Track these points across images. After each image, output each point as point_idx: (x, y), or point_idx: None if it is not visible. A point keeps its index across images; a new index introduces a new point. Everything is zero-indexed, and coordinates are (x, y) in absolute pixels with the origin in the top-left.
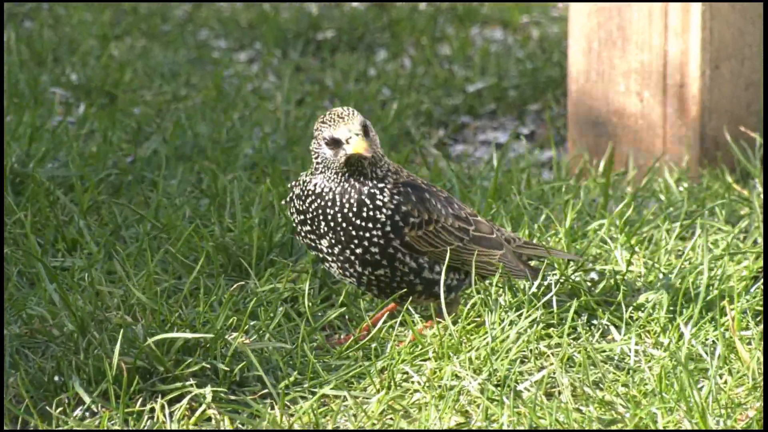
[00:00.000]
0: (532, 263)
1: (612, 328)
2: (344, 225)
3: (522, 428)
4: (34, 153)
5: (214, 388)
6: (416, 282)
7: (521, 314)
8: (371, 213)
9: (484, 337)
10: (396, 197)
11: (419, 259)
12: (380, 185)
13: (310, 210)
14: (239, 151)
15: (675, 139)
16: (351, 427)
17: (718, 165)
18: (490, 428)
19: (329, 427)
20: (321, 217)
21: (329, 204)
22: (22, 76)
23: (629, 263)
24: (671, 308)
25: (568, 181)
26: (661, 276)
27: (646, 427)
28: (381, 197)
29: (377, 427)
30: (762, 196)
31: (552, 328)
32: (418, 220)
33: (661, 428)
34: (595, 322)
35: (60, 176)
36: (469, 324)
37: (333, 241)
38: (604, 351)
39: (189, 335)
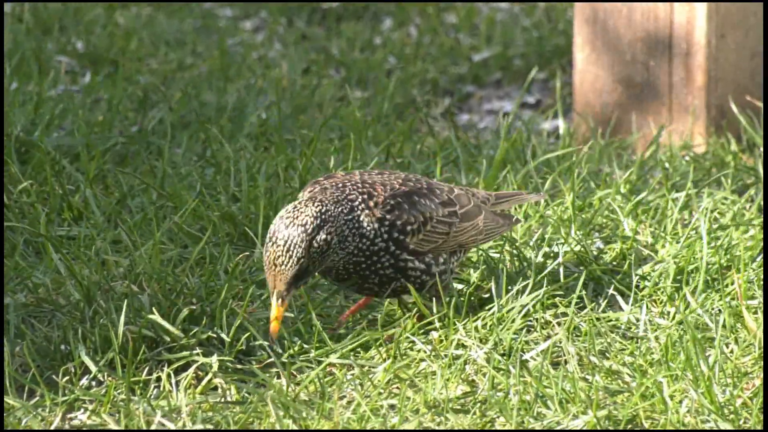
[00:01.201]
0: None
1: (618, 297)
2: (356, 269)
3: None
4: (39, 122)
5: (221, 357)
6: (427, 279)
7: (527, 284)
8: (371, 250)
9: (490, 307)
10: (387, 216)
11: (425, 259)
12: (360, 225)
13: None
14: (245, 120)
15: (681, 108)
16: (357, 396)
17: (724, 134)
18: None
19: (335, 395)
20: (335, 272)
21: (337, 266)
22: (28, 44)
23: (635, 232)
24: (677, 278)
25: (573, 150)
26: (667, 245)
27: (652, 395)
28: (367, 234)
29: (383, 396)
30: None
31: (558, 298)
32: (416, 225)
33: (667, 397)
34: (601, 291)
35: (65, 145)
36: (474, 296)
37: (356, 270)
38: (611, 320)
39: (195, 306)
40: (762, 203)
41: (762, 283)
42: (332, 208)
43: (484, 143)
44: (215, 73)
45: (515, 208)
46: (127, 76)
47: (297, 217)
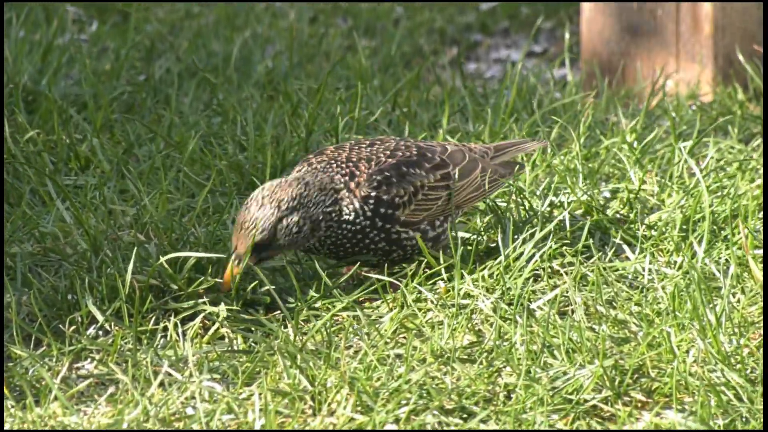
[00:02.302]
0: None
1: (625, 246)
2: (343, 249)
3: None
4: (46, 70)
5: (228, 306)
6: (426, 245)
7: (534, 233)
8: (353, 231)
9: (496, 256)
10: (372, 194)
11: (420, 226)
12: (341, 211)
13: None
14: (252, 69)
15: (688, 57)
16: (364, 346)
17: (731, 83)
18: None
19: (342, 345)
20: (322, 253)
21: (318, 250)
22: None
23: (642, 181)
24: (684, 227)
25: (580, 99)
26: (673, 194)
27: (659, 345)
28: (349, 218)
29: (390, 345)
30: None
31: (565, 247)
32: (406, 197)
33: (674, 346)
34: (608, 240)
35: (72, 94)
36: (480, 245)
37: (348, 253)
38: (617, 270)
39: (201, 254)
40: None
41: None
42: (314, 194)
43: (491, 92)
44: (222, 22)
45: (522, 157)
46: (134, 25)
47: (276, 192)
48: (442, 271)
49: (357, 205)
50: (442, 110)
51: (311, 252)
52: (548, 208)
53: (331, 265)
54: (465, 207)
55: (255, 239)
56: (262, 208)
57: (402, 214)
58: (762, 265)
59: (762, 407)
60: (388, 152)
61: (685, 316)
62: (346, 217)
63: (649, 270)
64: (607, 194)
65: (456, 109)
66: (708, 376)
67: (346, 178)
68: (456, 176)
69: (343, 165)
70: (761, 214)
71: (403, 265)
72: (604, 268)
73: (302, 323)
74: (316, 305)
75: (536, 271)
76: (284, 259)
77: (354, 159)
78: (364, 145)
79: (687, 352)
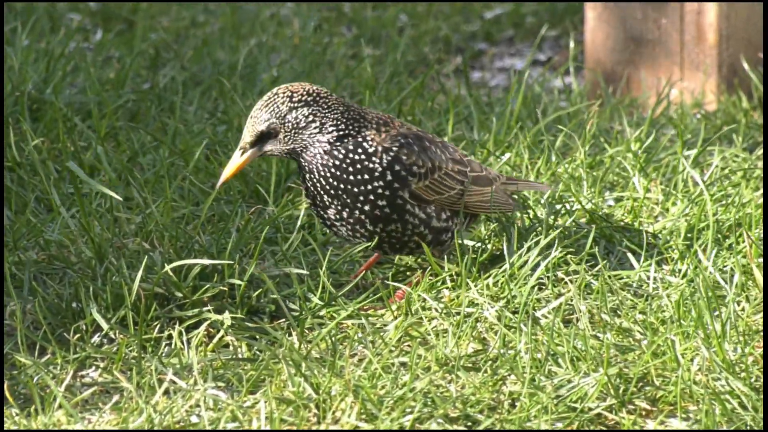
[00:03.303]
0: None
1: (629, 255)
2: (342, 186)
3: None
4: (51, 79)
5: (232, 314)
6: (426, 233)
7: (538, 241)
8: (363, 165)
9: (501, 264)
10: (393, 148)
11: (427, 209)
12: (363, 139)
13: (309, 187)
14: (257, 78)
15: (692, 66)
16: (369, 354)
17: (735, 92)
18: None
19: (347, 353)
20: (319, 188)
21: (320, 173)
22: (40, 2)
23: (647, 190)
24: (688, 235)
25: (585, 108)
26: (678, 203)
27: (663, 353)
28: (366, 148)
29: (394, 353)
30: None
31: (570, 255)
32: (423, 170)
33: (679, 354)
34: (612, 249)
35: (77, 102)
36: (486, 253)
37: (339, 207)
38: (622, 278)
39: (207, 261)
40: None
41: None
42: (335, 105)
43: (496, 101)
44: (227, 31)
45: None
46: (139, 33)
47: (297, 90)
48: (447, 279)
49: (379, 149)
50: (446, 119)
51: (304, 175)
52: (553, 217)
53: (336, 272)
54: (470, 214)
55: (262, 127)
56: (273, 96)
57: (414, 184)
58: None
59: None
60: (415, 128)
61: (689, 324)
62: (366, 145)
63: (654, 278)
64: (612, 202)
65: (461, 118)
66: (712, 385)
67: (380, 122)
68: (471, 179)
69: (380, 116)
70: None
71: (408, 273)
72: (609, 277)
73: (307, 331)
74: (321, 313)
75: (541, 280)
76: (289, 267)
77: (389, 119)
78: (398, 120)
79: (691, 360)
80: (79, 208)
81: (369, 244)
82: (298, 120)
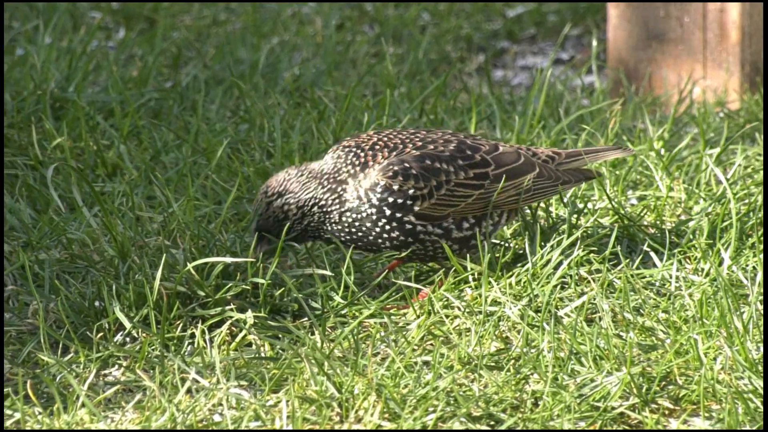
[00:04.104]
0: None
1: (652, 254)
2: (359, 236)
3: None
4: (73, 77)
5: (255, 313)
6: (449, 244)
7: (561, 240)
8: (360, 214)
9: (524, 263)
10: (381, 182)
11: (443, 224)
12: (346, 197)
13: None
14: (278, 76)
15: (715, 64)
16: (391, 353)
17: (758, 90)
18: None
19: (369, 352)
20: (346, 243)
21: (340, 240)
22: (62, 1)
23: (669, 188)
24: (711, 234)
25: (608, 106)
26: (701, 201)
27: (686, 352)
28: (349, 199)
29: (417, 352)
30: None
31: (592, 254)
32: (425, 190)
33: (702, 353)
34: (635, 247)
35: (100, 101)
36: (509, 252)
37: (363, 247)
38: (645, 277)
39: (229, 260)
40: None
41: None
42: (305, 181)
43: (518, 99)
44: (249, 30)
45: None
46: (161, 32)
47: (273, 179)
48: (470, 278)
49: (361, 192)
50: (469, 117)
51: (331, 242)
52: (575, 215)
53: (358, 271)
54: (506, 209)
55: (254, 225)
56: (258, 196)
57: (419, 206)
58: None
59: None
60: (419, 143)
61: (712, 323)
62: (350, 205)
63: (677, 277)
64: (635, 201)
65: (483, 117)
66: (735, 384)
67: (357, 168)
68: (492, 177)
69: (362, 154)
70: None
71: (430, 273)
72: (632, 275)
73: (329, 330)
74: (343, 312)
75: (563, 279)
76: (312, 268)
77: (379, 146)
78: (405, 133)
79: (714, 359)
80: (100, 207)
81: (397, 253)
82: (275, 212)
